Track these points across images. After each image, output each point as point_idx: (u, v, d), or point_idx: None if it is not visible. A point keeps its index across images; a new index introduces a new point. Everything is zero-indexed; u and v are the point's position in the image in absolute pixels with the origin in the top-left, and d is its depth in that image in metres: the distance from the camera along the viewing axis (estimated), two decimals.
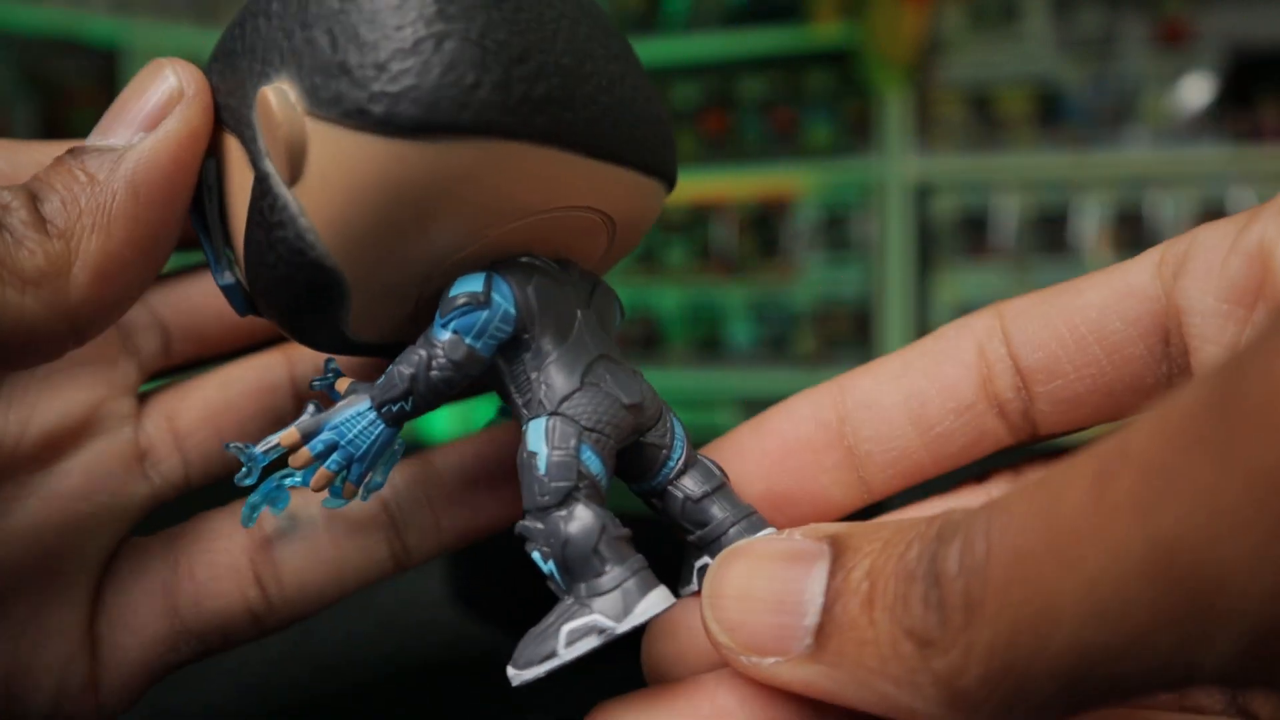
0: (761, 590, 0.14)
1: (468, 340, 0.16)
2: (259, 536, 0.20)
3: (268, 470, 0.18)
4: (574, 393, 0.16)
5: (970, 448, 0.18)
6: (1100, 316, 0.17)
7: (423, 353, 0.16)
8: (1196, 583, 0.09)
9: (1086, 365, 0.17)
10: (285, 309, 0.17)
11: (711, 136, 1.91)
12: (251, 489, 0.18)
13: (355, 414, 0.17)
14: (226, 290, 0.18)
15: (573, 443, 0.16)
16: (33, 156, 0.19)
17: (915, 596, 0.12)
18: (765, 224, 1.90)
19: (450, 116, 0.14)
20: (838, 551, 0.14)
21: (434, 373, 0.16)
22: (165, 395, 0.21)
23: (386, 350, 0.18)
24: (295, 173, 0.15)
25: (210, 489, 0.21)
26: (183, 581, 0.20)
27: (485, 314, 0.16)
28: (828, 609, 0.14)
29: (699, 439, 0.19)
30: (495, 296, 0.16)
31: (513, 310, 0.16)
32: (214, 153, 0.17)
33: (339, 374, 0.18)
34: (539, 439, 0.16)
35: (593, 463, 0.16)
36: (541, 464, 0.16)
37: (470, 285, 0.16)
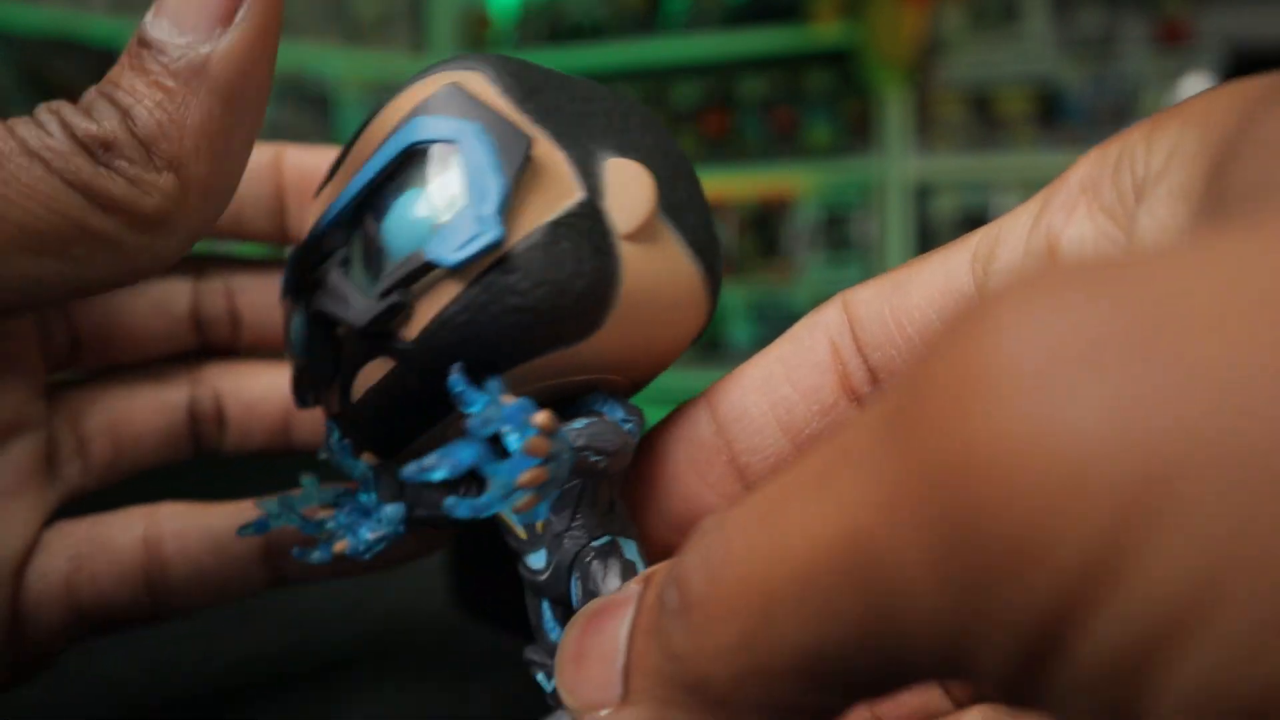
0: (589, 647, 0.14)
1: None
2: (155, 554, 0.22)
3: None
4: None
5: None
6: (924, 316, 0.17)
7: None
8: (882, 586, 0.09)
9: None
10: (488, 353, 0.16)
11: (711, 136, 1.91)
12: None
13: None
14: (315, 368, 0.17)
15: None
16: None
17: (667, 610, 0.12)
18: (765, 224, 1.90)
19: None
20: (645, 588, 0.13)
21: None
22: (70, 397, 0.22)
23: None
24: (637, 239, 0.16)
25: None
26: (85, 584, 0.21)
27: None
28: (629, 650, 0.13)
29: None
30: None
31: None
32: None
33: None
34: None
35: None
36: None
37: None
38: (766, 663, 0.10)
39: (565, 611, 0.17)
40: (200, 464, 0.24)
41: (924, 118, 1.78)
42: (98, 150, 0.14)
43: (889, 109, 1.77)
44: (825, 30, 1.78)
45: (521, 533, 0.17)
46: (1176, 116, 0.14)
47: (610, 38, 1.97)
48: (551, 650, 0.17)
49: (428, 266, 0.15)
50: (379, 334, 0.16)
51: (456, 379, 0.15)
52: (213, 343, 0.23)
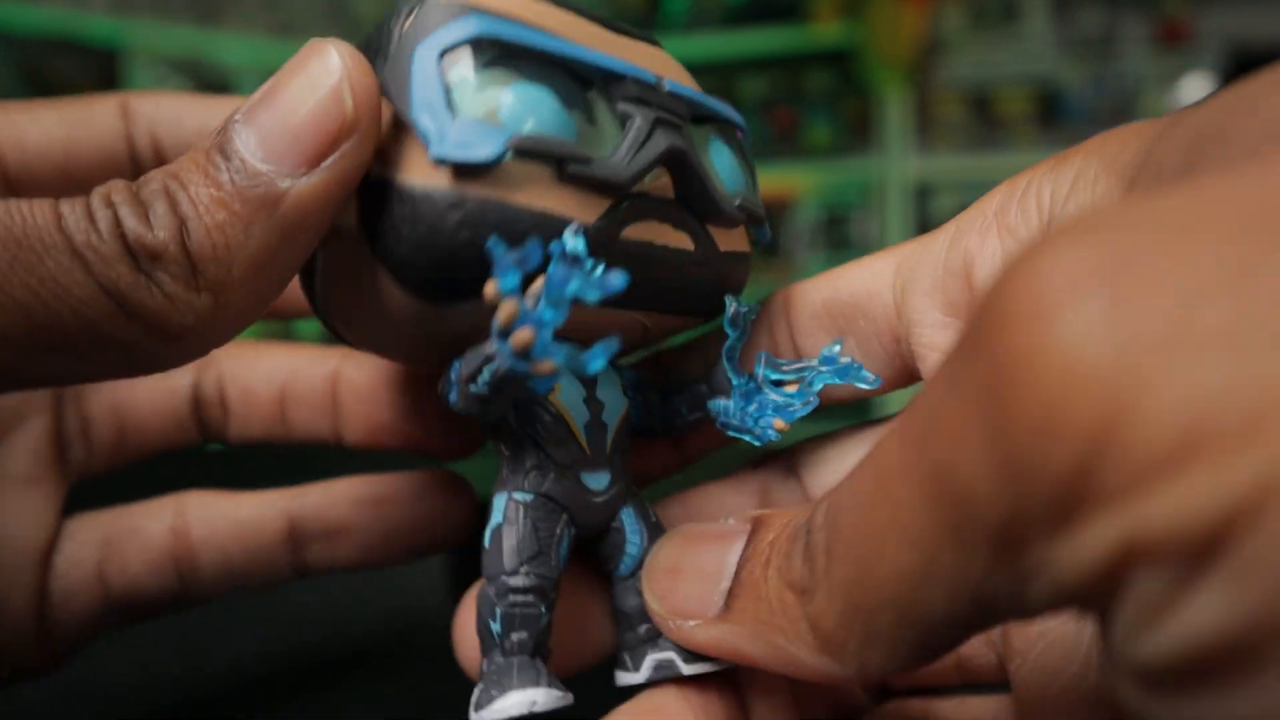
0: (688, 563, 0.16)
1: None
2: (183, 540, 0.22)
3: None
4: None
5: None
6: (849, 313, 0.19)
7: None
8: (954, 495, 0.11)
9: None
10: None
11: None
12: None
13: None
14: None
15: None
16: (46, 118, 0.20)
17: (795, 552, 0.14)
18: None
19: None
20: (756, 528, 0.16)
21: None
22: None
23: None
24: None
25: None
26: (116, 572, 0.21)
27: None
28: (737, 574, 0.15)
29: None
30: None
31: None
32: None
33: None
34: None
35: None
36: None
37: None
38: (869, 597, 0.12)
39: (571, 542, 0.17)
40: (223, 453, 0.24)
41: (924, 118, 1.78)
42: (143, 258, 0.14)
43: (889, 109, 1.77)
44: (825, 30, 1.78)
45: (587, 447, 0.17)
46: (1079, 152, 0.17)
47: None
48: (549, 573, 0.16)
49: (756, 219, 0.20)
50: (703, 221, 0.18)
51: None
52: None
